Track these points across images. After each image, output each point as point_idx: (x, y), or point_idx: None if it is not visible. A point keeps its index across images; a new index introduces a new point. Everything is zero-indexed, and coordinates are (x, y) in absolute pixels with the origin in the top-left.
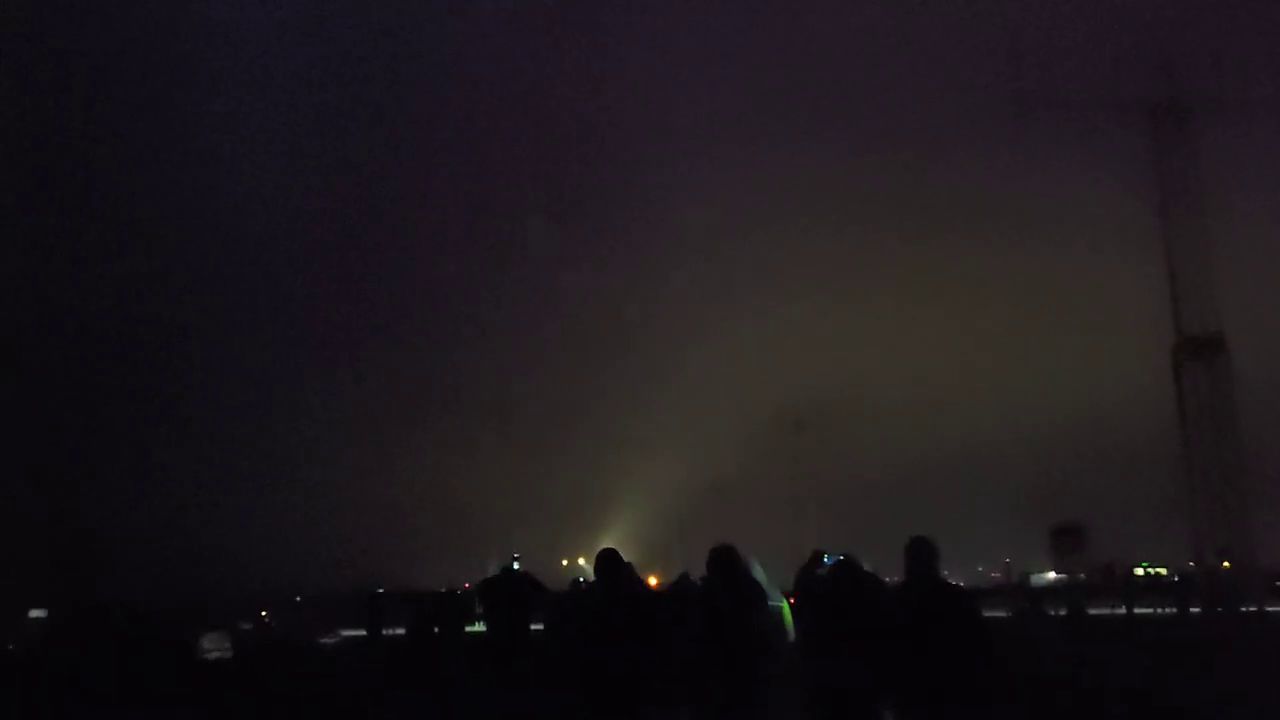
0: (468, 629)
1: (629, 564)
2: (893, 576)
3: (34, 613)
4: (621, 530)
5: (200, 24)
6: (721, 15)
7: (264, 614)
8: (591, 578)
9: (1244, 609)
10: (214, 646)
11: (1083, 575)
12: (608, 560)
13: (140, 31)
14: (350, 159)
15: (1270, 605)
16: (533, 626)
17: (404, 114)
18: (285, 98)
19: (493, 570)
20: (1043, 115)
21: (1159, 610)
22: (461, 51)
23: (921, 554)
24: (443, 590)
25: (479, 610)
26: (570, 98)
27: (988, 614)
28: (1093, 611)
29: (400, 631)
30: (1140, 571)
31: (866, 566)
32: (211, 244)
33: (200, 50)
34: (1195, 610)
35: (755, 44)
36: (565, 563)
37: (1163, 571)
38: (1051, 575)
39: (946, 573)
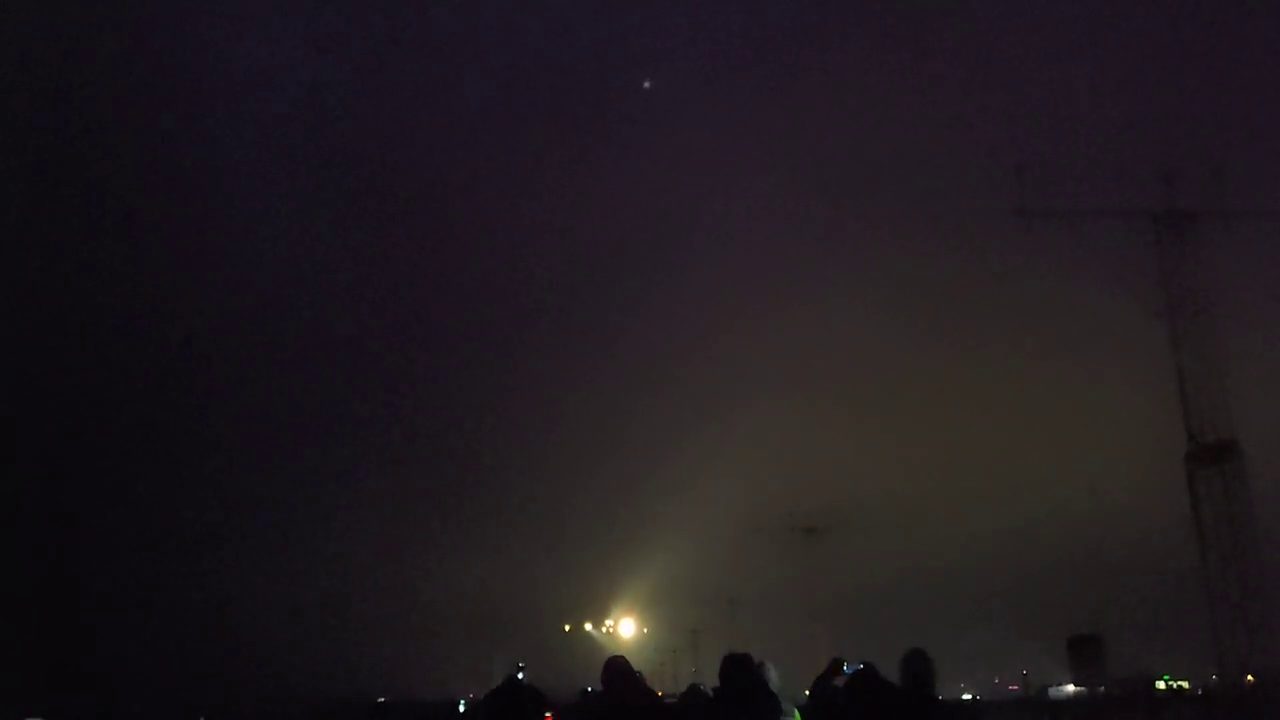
0: None
1: (638, 674)
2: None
3: None
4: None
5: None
6: (730, 139)
7: None
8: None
9: None
10: None
11: (1102, 688)
12: (616, 670)
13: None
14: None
15: None
16: None
17: (422, 220)
18: (323, 227)
19: (497, 680)
20: (1047, 225)
21: None
22: (489, 170)
23: (917, 668)
24: (444, 702)
25: None
26: (582, 209)
27: None
28: None
29: None
30: (1162, 685)
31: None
32: (222, 343)
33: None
34: None
35: (761, 155)
36: (568, 628)
37: (1185, 685)
38: (1070, 688)
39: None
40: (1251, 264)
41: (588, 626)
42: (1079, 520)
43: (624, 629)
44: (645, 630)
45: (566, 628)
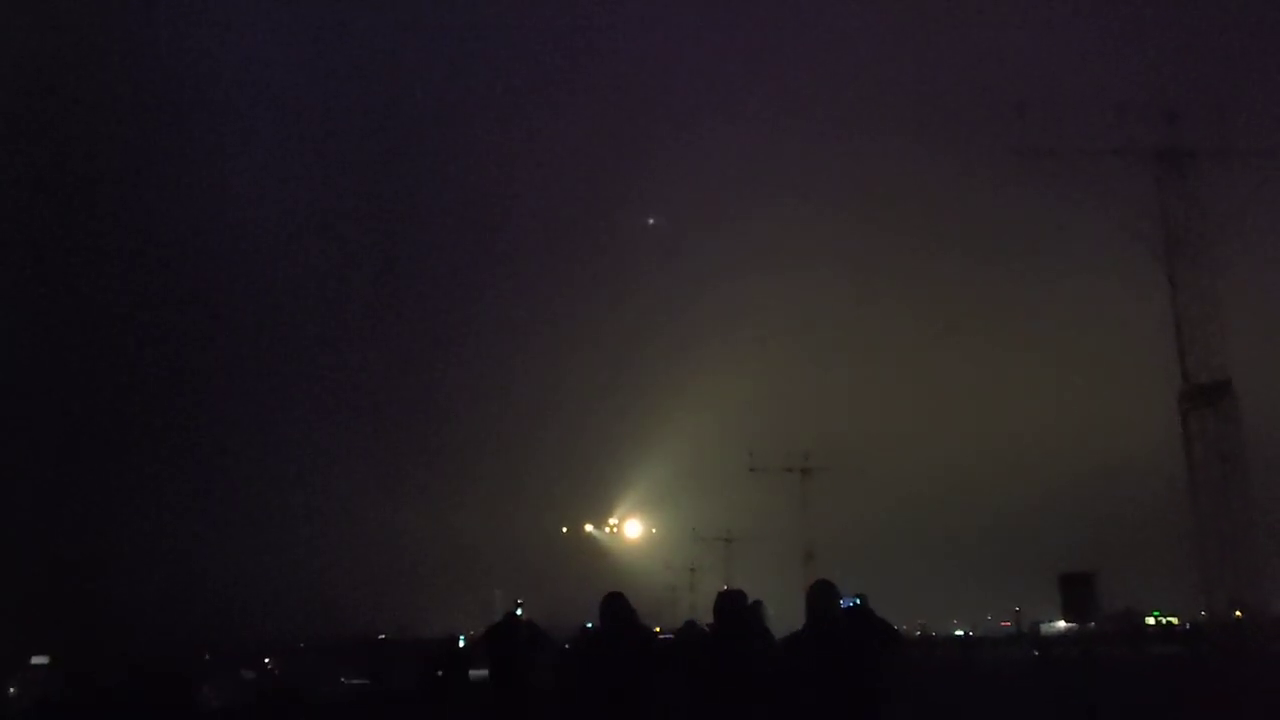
0: (472, 676)
1: (634, 610)
2: (903, 625)
3: (36, 659)
4: (626, 576)
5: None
6: (730, 76)
7: (267, 661)
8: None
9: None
10: (216, 696)
11: (1093, 624)
12: (614, 604)
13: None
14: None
15: None
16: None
17: (419, 200)
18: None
19: (497, 617)
20: (1045, 164)
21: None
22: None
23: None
24: (444, 638)
25: (483, 657)
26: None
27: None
28: None
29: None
30: (1152, 620)
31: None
32: (228, 298)
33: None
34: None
35: (764, 98)
36: (565, 529)
37: (1174, 620)
38: (1061, 624)
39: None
40: (1252, 202)
41: (588, 528)
42: (1072, 459)
43: (629, 529)
44: (654, 530)
45: (564, 530)
